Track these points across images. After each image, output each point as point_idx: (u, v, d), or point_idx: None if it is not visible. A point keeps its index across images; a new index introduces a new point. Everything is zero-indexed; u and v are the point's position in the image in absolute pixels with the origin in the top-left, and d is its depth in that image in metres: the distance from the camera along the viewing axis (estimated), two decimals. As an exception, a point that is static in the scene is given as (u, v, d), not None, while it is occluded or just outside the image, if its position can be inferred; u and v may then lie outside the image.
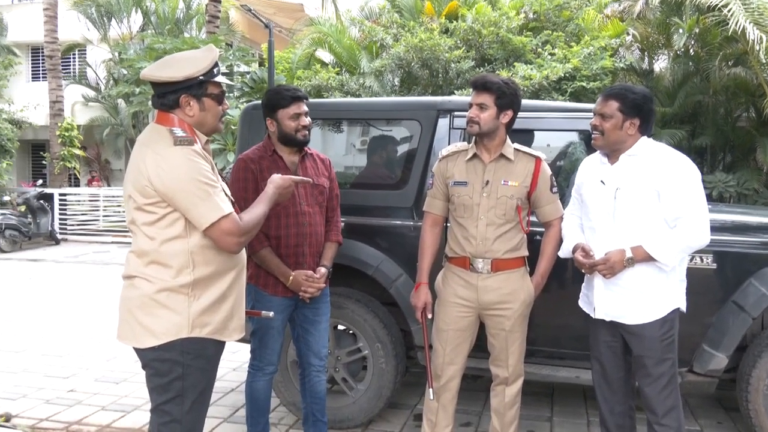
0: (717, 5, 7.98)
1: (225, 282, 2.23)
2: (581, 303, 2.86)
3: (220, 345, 2.28)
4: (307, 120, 2.95)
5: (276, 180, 2.37)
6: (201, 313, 2.16)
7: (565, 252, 2.82)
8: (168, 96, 2.18)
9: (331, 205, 3.14)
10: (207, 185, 2.08)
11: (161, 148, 2.10)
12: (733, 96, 10.17)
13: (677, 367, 2.66)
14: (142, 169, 2.09)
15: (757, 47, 7.69)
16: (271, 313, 2.61)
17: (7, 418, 3.72)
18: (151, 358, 2.16)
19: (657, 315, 2.57)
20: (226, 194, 2.22)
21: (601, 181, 2.66)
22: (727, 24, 8.02)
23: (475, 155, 2.86)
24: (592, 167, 2.75)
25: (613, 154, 2.65)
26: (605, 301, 2.66)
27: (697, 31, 10.20)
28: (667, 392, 2.59)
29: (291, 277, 2.90)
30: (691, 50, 10.61)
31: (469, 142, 2.95)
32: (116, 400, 4.19)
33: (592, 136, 2.67)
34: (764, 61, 8.35)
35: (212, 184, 2.11)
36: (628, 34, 10.91)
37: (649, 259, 2.52)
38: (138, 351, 2.20)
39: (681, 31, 10.35)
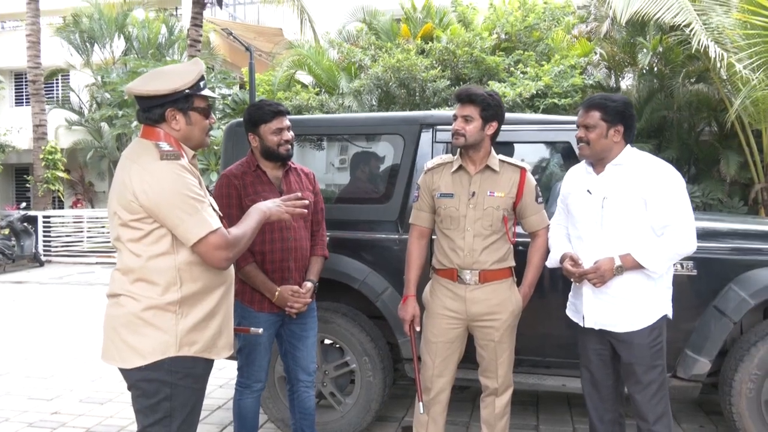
0: (679, 25, 8.08)
1: (213, 299, 2.12)
2: (569, 312, 2.79)
3: (208, 363, 2.15)
4: (289, 134, 2.87)
5: (270, 204, 2.24)
6: (189, 331, 2.04)
7: (552, 262, 2.75)
8: (154, 110, 2.07)
9: (315, 219, 3.05)
10: (194, 200, 1.98)
11: (147, 163, 1.99)
12: (696, 111, 10.29)
13: (666, 373, 2.60)
14: (128, 184, 1.98)
15: (718, 64, 7.77)
16: (261, 330, 2.49)
17: (-11, 443, 3.53)
18: (138, 379, 2.04)
19: (646, 322, 2.52)
20: (214, 209, 2.12)
21: (588, 191, 2.61)
22: (690, 43, 8.11)
23: (460, 167, 2.80)
24: (577, 177, 2.70)
25: (599, 163, 2.60)
26: (594, 309, 2.59)
27: (660, 49, 10.33)
28: (658, 399, 2.54)
29: (277, 293, 2.80)
30: (656, 68, 10.74)
31: (454, 154, 2.88)
32: (101, 422, 4.02)
33: (579, 146, 2.62)
34: (725, 77, 8.46)
35: (200, 199, 2.00)
36: (595, 53, 11.02)
37: (637, 267, 2.47)
38: (123, 371, 2.07)
39: (645, 50, 10.48)
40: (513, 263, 2.84)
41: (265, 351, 2.90)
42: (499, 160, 2.81)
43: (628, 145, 2.60)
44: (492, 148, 2.81)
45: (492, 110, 2.71)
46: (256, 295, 2.84)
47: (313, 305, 3.00)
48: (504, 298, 2.77)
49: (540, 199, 2.84)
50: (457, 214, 2.75)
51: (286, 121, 2.87)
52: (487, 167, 2.77)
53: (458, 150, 2.81)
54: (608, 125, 2.52)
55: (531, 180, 2.82)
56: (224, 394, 4.43)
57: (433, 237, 2.96)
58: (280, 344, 3.04)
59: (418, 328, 2.87)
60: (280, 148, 2.84)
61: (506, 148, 3.49)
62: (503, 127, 3.52)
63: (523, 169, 2.80)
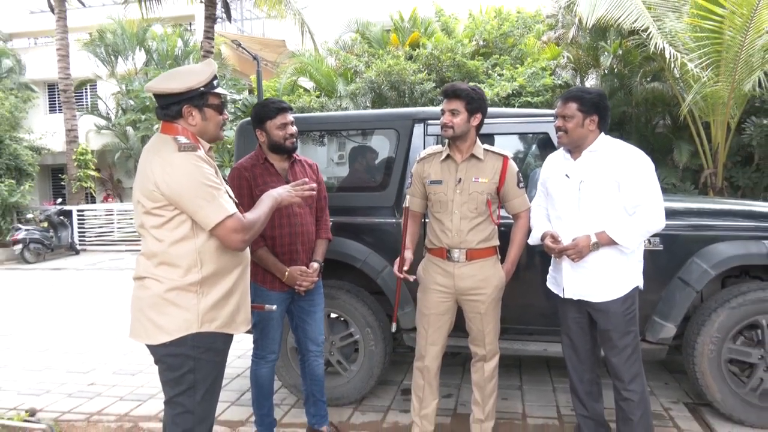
0: (638, 30, 7.98)
1: (231, 279, 2.04)
2: (549, 284, 2.73)
3: (228, 338, 2.09)
4: (293, 129, 2.79)
5: (280, 191, 2.18)
6: (209, 309, 1.97)
7: (534, 239, 2.69)
8: (171, 107, 2.00)
9: (320, 206, 2.98)
10: (211, 188, 1.90)
11: (167, 155, 1.91)
12: (652, 106, 10.21)
13: (639, 338, 2.55)
14: (149, 175, 1.91)
15: (672, 65, 7.70)
16: (274, 306, 2.44)
17: (32, 412, 3.44)
18: (164, 354, 1.97)
19: (620, 293, 2.47)
20: (229, 195, 2.04)
21: (566, 175, 2.54)
22: (647, 46, 8.03)
23: (448, 156, 2.73)
24: (556, 163, 2.63)
25: (576, 150, 2.53)
26: (573, 282, 2.54)
27: (620, 52, 10.23)
28: (632, 361, 2.49)
29: (287, 273, 2.74)
30: (616, 69, 10.64)
31: (443, 146, 2.80)
32: (133, 391, 3.95)
33: (557, 135, 2.55)
34: (678, 76, 8.38)
35: (216, 187, 1.92)
36: (563, 56, 10.89)
37: (611, 243, 2.42)
38: (150, 347, 2.00)
39: (607, 53, 10.41)
40: (497, 243, 2.77)
41: (277, 325, 2.84)
42: (484, 149, 2.73)
43: (602, 134, 2.53)
44: (477, 138, 2.73)
45: (476, 103, 2.64)
46: (268, 276, 2.79)
47: (319, 283, 2.94)
48: (489, 274, 2.71)
49: (521, 184, 2.76)
50: (445, 198, 2.69)
51: (289, 117, 2.79)
52: (473, 156, 2.70)
53: (447, 141, 2.74)
54: (584, 115, 2.45)
55: (513, 167, 2.75)
56: (242, 363, 4.36)
57: (426, 220, 2.89)
58: (291, 319, 2.98)
59: (404, 274, 2.73)
60: (286, 142, 2.77)
61: (490, 139, 3.43)
62: (490, 120, 3.47)
63: (505, 157, 2.73)
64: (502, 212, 2.83)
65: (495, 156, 2.73)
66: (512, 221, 2.83)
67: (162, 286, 1.94)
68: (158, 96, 2.01)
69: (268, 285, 2.79)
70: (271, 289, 2.79)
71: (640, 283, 2.55)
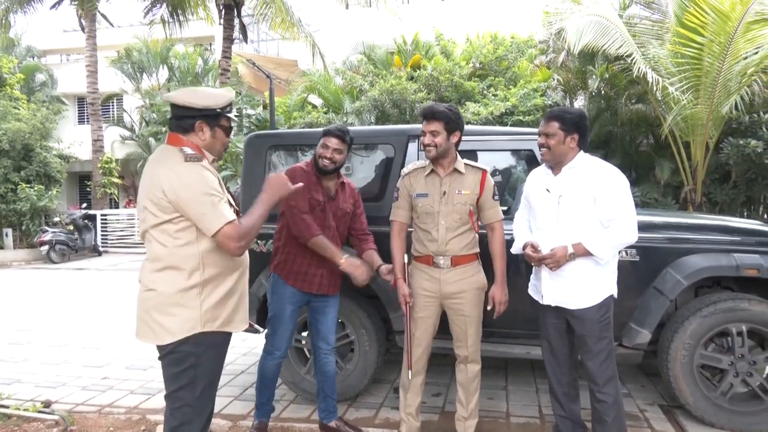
0: (623, 55, 7.97)
1: (231, 280, 2.04)
2: (530, 291, 2.71)
3: (227, 336, 2.08)
4: (333, 154, 2.80)
5: (270, 181, 2.13)
6: (211, 309, 1.96)
7: (516, 249, 2.67)
8: (186, 119, 2.00)
9: (360, 221, 3.00)
10: (213, 196, 1.90)
11: (174, 165, 1.91)
12: (636, 126, 10.17)
13: (613, 343, 2.52)
14: (156, 183, 1.90)
15: (655, 88, 7.67)
16: (262, 331, 2.39)
17: (47, 404, 3.43)
18: (168, 351, 1.96)
19: (595, 300, 2.44)
20: (231, 204, 2.04)
21: (547, 190, 2.52)
22: (631, 70, 8.01)
23: (432, 171, 2.73)
24: (538, 178, 2.62)
25: (557, 166, 2.52)
26: (552, 289, 2.51)
27: (607, 76, 10.21)
28: (606, 365, 2.45)
29: (342, 260, 2.74)
30: (603, 91, 10.62)
31: (426, 161, 2.80)
32: (143, 385, 3.93)
33: (540, 152, 2.53)
34: (660, 98, 8.35)
35: (218, 196, 1.92)
36: (553, 79, 10.88)
37: (587, 254, 2.39)
38: (157, 346, 1.99)
39: (594, 76, 10.38)
40: (478, 249, 2.77)
41: (286, 324, 2.85)
42: (464, 163, 2.73)
43: (581, 152, 2.51)
44: (457, 154, 2.73)
45: (453, 123, 2.64)
46: (292, 272, 2.82)
47: (337, 294, 2.97)
48: (471, 278, 2.70)
49: (496, 197, 2.76)
50: (432, 210, 2.69)
51: (334, 142, 2.80)
52: (455, 170, 2.70)
53: None
54: (565, 134, 2.44)
55: (490, 180, 2.75)
56: (246, 361, 4.33)
57: (410, 230, 2.87)
58: (308, 317, 3.01)
59: (411, 304, 2.75)
60: (320, 159, 2.81)
61: (474, 154, 3.42)
62: (481, 137, 3.47)
63: (484, 171, 2.73)
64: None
65: (474, 170, 2.73)
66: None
67: (167, 289, 1.92)
68: (175, 107, 2.02)
69: (290, 280, 2.83)
70: (291, 284, 2.82)
71: (615, 292, 2.52)
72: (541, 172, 2.62)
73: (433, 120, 2.63)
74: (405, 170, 2.86)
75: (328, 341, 2.95)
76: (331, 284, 2.89)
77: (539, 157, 3.24)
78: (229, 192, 2.20)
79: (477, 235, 2.75)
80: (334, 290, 2.93)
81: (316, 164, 2.84)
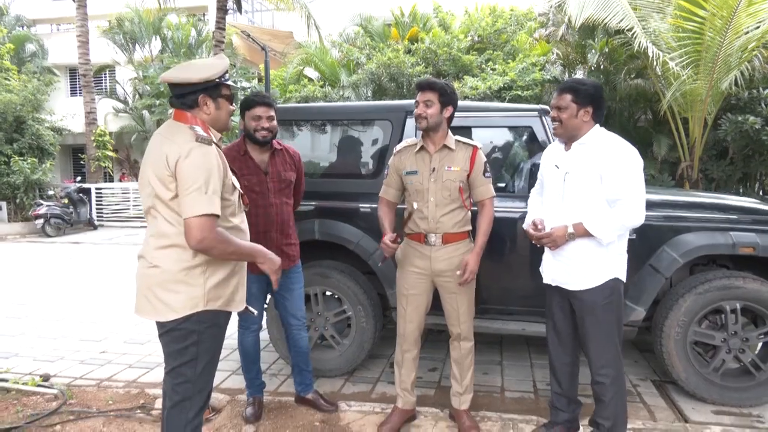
0: (623, 29, 7.84)
1: (233, 261, 2.03)
2: (540, 269, 2.65)
3: (228, 315, 2.08)
4: (267, 123, 2.73)
5: (273, 260, 2.09)
6: (214, 288, 1.96)
7: (526, 225, 2.61)
8: (188, 96, 1.96)
9: (297, 191, 2.97)
10: (208, 184, 1.85)
11: (183, 142, 1.88)
12: (634, 102, 10.07)
13: (616, 325, 2.43)
14: (163, 159, 1.86)
15: (655, 63, 7.57)
16: (255, 312, 2.35)
17: (46, 377, 3.45)
18: (170, 328, 1.96)
19: (595, 282, 2.38)
20: (234, 186, 2.03)
21: (556, 166, 2.45)
22: (631, 44, 7.89)
23: (422, 147, 2.69)
24: (551, 153, 2.55)
25: (569, 141, 2.42)
26: (552, 268, 2.50)
27: (606, 50, 10.08)
28: (605, 348, 2.41)
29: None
30: (602, 66, 10.48)
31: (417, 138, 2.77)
32: (141, 359, 3.95)
33: (553, 126, 2.44)
34: (660, 73, 8.25)
35: (214, 187, 1.87)
36: (552, 53, 10.73)
37: (588, 234, 2.33)
38: (157, 322, 1.98)
39: (594, 50, 10.24)
40: (470, 227, 2.75)
41: (257, 300, 2.84)
42: (455, 140, 2.69)
43: (597, 125, 2.39)
44: (449, 130, 2.69)
45: (448, 96, 2.60)
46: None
47: (298, 263, 2.95)
48: (463, 256, 2.68)
49: (488, 174, 2.70)
50: (421, 187, 2.67)
51: (266, 111, 2.73)
52: (445, 146, 2.66)
53: (421, 133, 2.71)
54: (578, 106, 2.33)
55: (481, 156, 2.70)
56: (244, 335, 4.36)
57: (403, 206, 2.85)
58: (273, 297, 2.98)
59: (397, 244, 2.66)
60: (256, 133, 2.73)
61: (468, 132, 3.38)
62: (478, 113, 3.42)
63: (474, 147, 2.69)
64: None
65: (465, 146, 2.69)
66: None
67: (172, 266, 1.91)
68: (174, 86, 1.97)
69: (249, 267, 2.75)
70: (249, 271, 2.76)
71: (621, 275, 2.43)
72: (556, 146, 2.54)
73: (428, 90, 2.59)
74: (396, 147, 2.83)
75: (297, 316, 2.94)
76: (285, 259, 2.79)
77: (538, 135, 3.22)
78: (235, 174, 2.17)
79: (469, 213, 2.72)
80: (292, 263, 2.87)
81: (254, 140, 2.74)
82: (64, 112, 16.25)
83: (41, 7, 22.15)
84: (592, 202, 2.34)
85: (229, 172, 2.03)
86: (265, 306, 3.33)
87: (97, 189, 13.98)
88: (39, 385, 3.31)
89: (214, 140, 1.98)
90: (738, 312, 2.99)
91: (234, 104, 2.10)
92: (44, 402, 3.15)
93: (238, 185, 2.08)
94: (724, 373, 3.07)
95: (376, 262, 3.28)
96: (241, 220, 2.09)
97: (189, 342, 1.95)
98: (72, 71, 20.28)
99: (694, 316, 3.00)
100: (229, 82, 2.04)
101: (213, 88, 1.98)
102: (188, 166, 1.84)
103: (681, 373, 3.05)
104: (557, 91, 2.41)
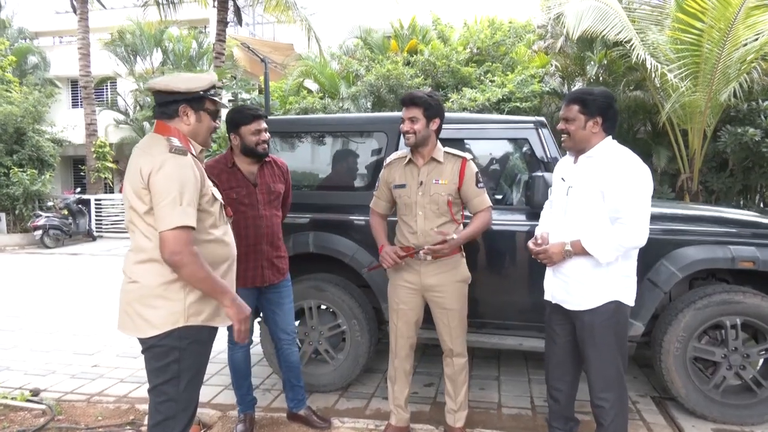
0: (622, 41, 7.86)
1: (217, 273, 1.95)
2: (544, 284, 2.58)
3: (213, 330, 2.01)
4: (266, 135, 2.74)
5: (238, 305, 1.93)
6: (195, 303, 1.90)
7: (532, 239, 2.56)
8: (170, 105, 1.94)
9: (285, 203, 2.94)
10: (183, 196, 1.80)
11: (157, 153, 1.84)
12: (634, 113, 10.08)
13: (617, 349, 2.29)
14: (138, 172, 1.83)
15: (653, 75, 7.58)
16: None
17: (35, 392, 3.39)
18: (150, 345, 1.90)
19: (593, 304, 2.26)
20: (215, 197, 1.98)
21: (562, 178, 2.38)
22: (630, 56, 7.90)
23: (410, 160, 2.67)
24: (561, 165, 2.48)
25: (578, 154, 2.32)
26: (552, 285, 2.43)
27: (605, 62, 10.10)
28: (603, 372, 2.29)
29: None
30: (601, 77, 10.50)
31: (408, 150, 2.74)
32: (134, 373, 3.90)
33: (562, 138, 2.35)
34: (658, 85, 8.26)
35: (189, 199, 1.81)
36: (551, 65, 10.76)
37: (585, 253, 2.22)
38: (139, 338, 1.93)
39: (593, 62, 10.26)
40: None
41: None
42: (444, 152, 2.65)
43: (608, 138, 2.26)
44: (438, 142, 2.66)
45: (433, 109, 2.56)
46: (239, 274, 2.56)
47: (288, 278, 2.90)
48: (453, 271, 2.64)
49: (480, 184, 2.65)
50: (410, 201, 2.63)
51: (263, 124, 2.73)
52: (433, 159, 2.63)
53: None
54: (586, 118, 2.22)
55: (471, 167, 2.64)
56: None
57: (394, 219, 2.82)
58: (262, 312, 2.93)
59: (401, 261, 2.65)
60: (258, 147, 2.71)
61: (474, 143, 3.36)
62: (476, 125, 3.40)
63: (464, 159, 2.64)
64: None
65: (454, 158, 2.64)
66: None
67: (150, 281, 1.87)
68: (159, 94, 1.95)
69: (239, 282, 2.68)
70: (238, 286, 2.70)
71: (624, 299, 2.27)
72: (567, 159, 2.46)
73: (411, 106, 2.56)
74: (387, 160, 2.80)
75: (287, 331, 2.89)
76: (275, 272, 2.78)
77: (534, 147, 3.20)
78: (216, 185, 2.13)
79: (461, 227, 2.67)
80: (282, 276, 2.83)
81: (255, 153, 2.71)
82: (66, 123, 16.28)
83: (44, 20, 22.32)
84: (594, 219, 2.23)
85: (208, 182, 1.98)
86: (258, 321, 3.28)
87: (96, 200, 13.98)
88: (28, 400, 3.25)
89: (194, 152, 1.94)
90: (738, 327, 2.93)
91: (218, 121, 2.06)
92: (32, 417, 3.09)
93: (219, 196, 2.04)
94: (725, 389, 3.02)
95: (371, 276, 3.24)
96: (224, 232, 2.02)
97: (170, 359, 1.89)
98: (74, 83, 20.37)
99: (694, 332, 2.95)
100: (215, 98, 2.01)
101: (197, 100, 1.95)
102: (161, 178, 1.79)
103: (681, 390, 2.99)
104: (565, 102, 2.32)
